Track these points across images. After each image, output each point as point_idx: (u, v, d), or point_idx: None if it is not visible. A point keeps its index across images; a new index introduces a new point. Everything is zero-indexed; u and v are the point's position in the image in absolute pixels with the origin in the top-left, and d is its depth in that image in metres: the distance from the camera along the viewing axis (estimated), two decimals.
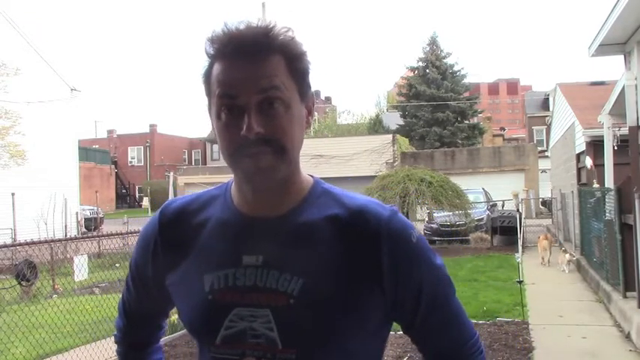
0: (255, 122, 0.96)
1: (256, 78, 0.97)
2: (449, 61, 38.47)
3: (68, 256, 9.68)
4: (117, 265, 9.71)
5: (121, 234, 7.45)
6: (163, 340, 1.62)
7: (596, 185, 9.98)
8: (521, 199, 16.55)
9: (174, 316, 3.30)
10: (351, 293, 1.00)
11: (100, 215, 22.78)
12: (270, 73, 0.97)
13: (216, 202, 1.12)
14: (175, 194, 23.75)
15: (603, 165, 9.03)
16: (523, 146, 28.54)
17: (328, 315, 0.99)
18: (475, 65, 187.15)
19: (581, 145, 11.93)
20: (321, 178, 1.14)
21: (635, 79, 6.41)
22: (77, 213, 17.39)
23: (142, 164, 45.42)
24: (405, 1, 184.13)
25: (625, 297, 6.64)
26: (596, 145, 10.69)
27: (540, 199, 24.59)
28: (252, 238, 1.04)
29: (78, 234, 15.47)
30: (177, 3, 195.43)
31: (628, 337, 5.88)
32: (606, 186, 8.45)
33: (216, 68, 1.00)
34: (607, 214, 7.69)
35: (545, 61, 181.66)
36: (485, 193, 18.28)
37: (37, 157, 15.38)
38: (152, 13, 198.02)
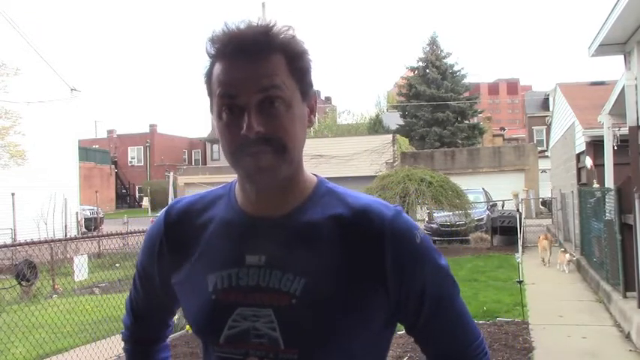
0: (256, 121, 0.95)
1: (257, 77, 0.96)
2: (449, 61, 38.51)
3: (68, 256, 9.68)
4: (117, 265, 9.72)
5: (121, 234, 7.46)
6: None
7: (596, 185, 9.97)
8: (521, 199, 16.57)
9: (174, 317, 3.29)
10: (353, 293, 0.99)
11: (100, 215, 22.78)
12: (270, 72, 0.97)
13: (221, 201, 1.12)
14: (175, 194, 23.77)
15: (603, 165, 9.02)
16: (523, 146, 28.54)
17: (328, 315, 0.98)
18: (475, 65, 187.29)
19: (581, 145, 11.92)
20: None
21: (635, 79, 6.40)
22: (77, 213, 17.39)
23: (142, 164, 45.42)
24: (405, 1, 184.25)
25: (625, 297, 6.64)
26: (596, 145, 10.68)
27: (540, 199, 24.57)
28: (255, 238, 1.04)
29: (78, 234, 15.47)
30: (177, 3, 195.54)
31: (628, 337, 5.88)
32: (606, 186, 8.45)
33: (217, 68, 0.99)
34: (607, 214, 7.68)
35: (545, 61, 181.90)
36: (486, 193, 18.27)
37: (37, 157, 15.37)
38: (152, 13, 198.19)
